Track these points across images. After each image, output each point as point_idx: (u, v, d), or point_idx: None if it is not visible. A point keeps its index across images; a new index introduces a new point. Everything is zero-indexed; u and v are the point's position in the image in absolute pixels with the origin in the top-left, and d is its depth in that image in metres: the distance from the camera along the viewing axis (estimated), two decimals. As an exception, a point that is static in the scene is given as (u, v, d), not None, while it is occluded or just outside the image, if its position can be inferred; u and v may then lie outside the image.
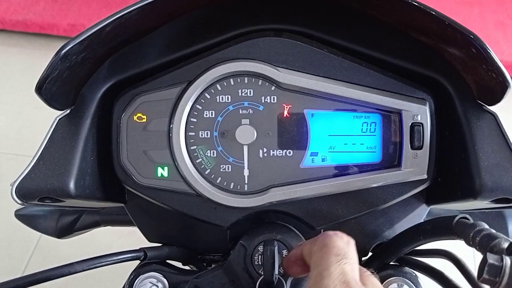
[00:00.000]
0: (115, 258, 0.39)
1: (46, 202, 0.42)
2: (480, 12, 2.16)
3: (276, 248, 0.40)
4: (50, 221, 0.58)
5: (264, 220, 0.45)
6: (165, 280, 0.45)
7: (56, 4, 2.29)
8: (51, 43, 2.29)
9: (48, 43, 2.29)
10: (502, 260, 0.28)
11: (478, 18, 2.14)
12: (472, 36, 0.33)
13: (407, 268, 0.45)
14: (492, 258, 0.28)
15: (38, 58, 2.23)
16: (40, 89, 0.37)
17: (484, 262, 0.28)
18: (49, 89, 0.38)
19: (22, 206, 0.62)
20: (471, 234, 0.32)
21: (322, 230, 0.46)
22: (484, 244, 0.30)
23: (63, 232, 0.58)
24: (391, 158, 0.42)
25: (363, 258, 0.51)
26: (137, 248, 0.43)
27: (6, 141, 1.94)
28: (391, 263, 0.47)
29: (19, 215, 0.61)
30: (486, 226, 0.32)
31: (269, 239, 0.40)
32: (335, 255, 0.31)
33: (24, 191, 0.40)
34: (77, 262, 0.38)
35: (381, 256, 0.47)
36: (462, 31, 0.34)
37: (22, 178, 0.40)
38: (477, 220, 0.34)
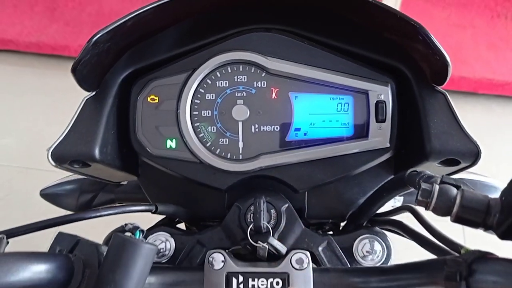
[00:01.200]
0: (130, 208, 0.46)
1: (74, 167, 0.51)
2: (473, 34, 2.27)
3: (264, 205, 0.48)
4: (71, 199, 0.66)
5: (255, 187, 0.54)
6: (172, 239, 0.53)
7: (68, 27, 2.41)
8: (62, 64, 2.40)
9: (60, 64, 2.40)
10: (432, 187, 0.36)
11: (471, 40, 2.24)
12: (417, 26, 0.42)
13: (376, 228, 0.53)
14: (425, 185, 0.36)
15: (49, 78, 2.35)
16: (75, 70, 0.46)
17: (420, 189, 0.36)
18: (81, 71, 0.47)
19: (47, 186, 0.71)
20: (417, 180, 0.40)
21: (306, 193, 0.54)
22: (424, 181, 0.39)
23: (82, 208, 0.66)
24: (361, 131, 0.51)
25: (341, 224, 0.59)
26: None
27: (17, 155, 2.03)
28: (364, 224, 0.55)
29: (44, 194, 0.69)
30: (428, 172, 0.41)
31: (259, 200, 0.48)
32: None
33: (57, 155, 0.49)
34: (93, 210, 0.45)
35: (355, 219, 0.55)
36: (410, 22, 0.43)
37: (56, 145, 0.49)
38: None
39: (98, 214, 0.45)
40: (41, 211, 0.64)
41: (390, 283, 0.43)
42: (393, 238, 0.53)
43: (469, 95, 2.09)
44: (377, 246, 0.52)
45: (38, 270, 0.36)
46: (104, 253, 0.39)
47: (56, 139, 0.50)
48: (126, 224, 0.41)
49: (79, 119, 0.50)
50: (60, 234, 0.40)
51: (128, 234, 0.38)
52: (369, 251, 0.52)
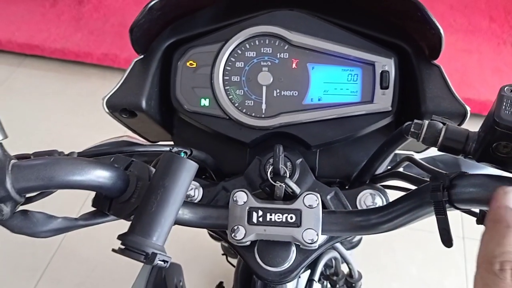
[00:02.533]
0: (166, 149, 0.55)
1: (122, 116, 0.60)
2: (479, 59, 2.36)
3: (283, 153, 0.56)
4: (107, 160, 0.75)
5: (274, 143, 0.62)
6: (200, 188, 0.62)
7: (92, 36, 2.53)
8: (85, 70, 2.53)
9: (82, 70, 2.53)
10: (423, 122, 0.45)
11: (477, 64, 2.34)
12: (415, 2, 0.52)
13: (378, 185, 0.61)
14: (417, 121, 0.45)
15: (72, 83, 2.47)
16: (132, 30, 0.56)
17: (413, 123, 0.45)
18: (136, 32, 0.56)
19: (85, 149, 0.79)
20: (409, 127, 0.49)
21: (318, 152, 0.63)
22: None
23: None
24: (367, 97, 0.60)
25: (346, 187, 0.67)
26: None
27: (37, 153, 2.13)
28: (366, 182, 0.63)
29: (83, 155, 0.77)
30: (421, 121, 0.49)
31: (278, 147, 0.56)
32: None
33: (111, 104, 0.58)
34: (141, 145, 0.53)
35: (359, 178, 0.63)
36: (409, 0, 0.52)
37: (110, 95, 0.59)
38: None
39: (146, 149, 0.53)
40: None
41: (388, 217, 0.51)
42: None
43: (474, 116, 2.17)
44: (378, 200, 0.60)
45: (102, 175, 0.44)
46: (153, 172, 0.48)
47: (110, 91, 0.59)
48: (172, 147, 0.49)
49: (129, 76, 0.60)
50: (117, 156, 0.49)
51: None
52: (371, 204, 0.60)
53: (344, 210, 0.57)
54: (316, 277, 0.72)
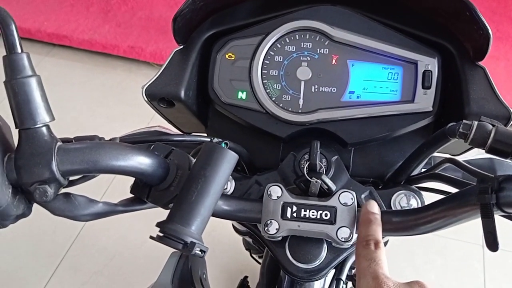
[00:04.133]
0: (204, 139, 0.55)
1: (160, 105, 0.60)
2: (505, 66, 2.33)
3: (319, 149, 0.56)
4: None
5: (309, 140, 0.62)
6: (232, 180, 0.61)
7: (119, 28, 2.56)
8: (111, 62, 2.55)
9: (108, 62, 2.55)
10: (472, 122, 0.44)
11: (504, 71, 2.30)
12: (466, 1, 0.51)
13: (413, 186, 0.60)
14: (466, 121, 0.44)
15: (98, 74, 2.50)
16: (175, 19, 0.56)
17: (462, 123, 0.44)
18: (178, 22, 0.57)
19: (124, 135, 0.80)
20: (457, 127, 0.48)
21: (352, 150, 0.62)
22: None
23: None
24: (407, 97, 0.59)
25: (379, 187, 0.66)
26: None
27: (61, 141, 2.15)
28: (402, 183, 0.62)
29: (123, 140, 0.78)
30: (465, 121, 0.48)
31: (316, 143, 0.55)
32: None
33: (150, 92, 0.58)
34: (179, 134, 0.53)
35: (394, 179, 0.62)
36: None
37: (149, 84, 0.59)
38: None
39: (185, 139, 0.54)
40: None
41: (427, 218, 0.50)
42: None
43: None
44: (413, 201, 0.59)
45: (144, 162, 0.44)
46: (193, 161, 0.48)
47: (149, 80, 0.59)
48: (213, 138, 0.49)
49: (168, 66, 0.60)
50: (157, 144, 0.49)
51: None
52: (405, 205, 0.59)
53: (380, 210, 0.56)
54: (344, 277, 0.71)
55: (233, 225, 0.94)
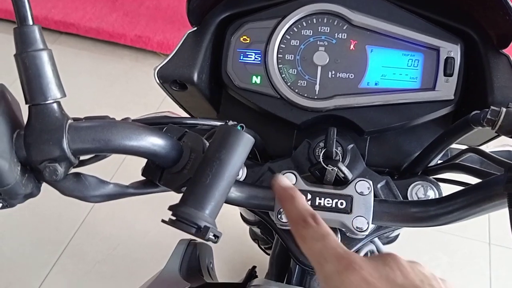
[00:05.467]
0: (217, 123, 0.53)
1: (172, 88, 0.59)
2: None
3: (335, 139, 0.54)
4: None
5: (324, 128, 0.60)
6: (244, 167, 0.60)
7: (126, 17, 2.54)
8: (117, 51, 2.54)
9: (114, 51, 2.54)
10: (500, 109, 0.42)
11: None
12: None
13: (430, 177, 0.59)
14: (494, 107, 0.42)
15: (104, 63, 2.48)
16: (189, 0, 0.54)
17: (489, 109, 0.42)
18: (193, 2, 0.55)
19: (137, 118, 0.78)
20: (482, 115, 0.46)
21: (368, 139, 0.60)
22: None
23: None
24: (428, 84, 0.57)
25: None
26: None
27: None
28: (419, 174, 0.60)
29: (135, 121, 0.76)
30: (498, 108, 0.46)
31: (332, 129, 0.54)
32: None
33: (162, 74, 0.57)
34: (192, 118, 0.52)
35: (410, 169, 0.60)
36: None
37: (162, 66, 0.57)
38: None
39: (198, 122, 0.52)
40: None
41: (449, 208, 0.48)
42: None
43: None
44: (430, 193, 0.58)
45: (157, 143, 0.43)
46: (207, 144, 0.46)
47: (161, 61, 0.58)
48: (228, 120, 0.48)
49: (182, 48, 0.58)
50: (170, 126, 0.48)
51: None
52: (422, 196, 0.57)
53: (398, 200, 0.55)
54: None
55: (241, 215, 0.93)
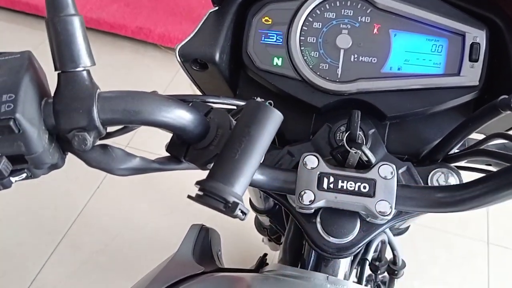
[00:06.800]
0: (239, 102, 0.52)
1: (193, 68, 0.58)
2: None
3: (359, 122, 0.53)
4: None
5: (344, 112, 0.59)
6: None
7: (128, 8, 2.52)
8: (118, 43, 2.52)
9: (115, 42, 2.52)
10: None
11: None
12: None
13: (451, 165, 0.58)
14: None
15: (104, 54, 2.46)
16: None
17: None
18: None
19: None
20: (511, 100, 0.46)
21: (387, 125, 0.60)
22: None
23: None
24: (452, 70, 0.57)
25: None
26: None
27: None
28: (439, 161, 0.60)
29: None
30: None
31: (357, 112, 0.53)
32: None
33: (184, 53, 0.56)
34: (215, 96, 0.50)
35: (431, 156, 0.60)
36: None
37: (183, 44, 0.56)
38: None
39: (222, 101, 0.51)
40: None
41: (476, 192, 0.47)
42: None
43: None
44: (452, 180, 0.57)
45: (186, 117, 0.42)
46: (233, 122, 0.45)
47: (183, 40, 0.57)
48: (256, 97, 0.47)
49: (203, 27, 0.57)
50: (195, 102, 0.47)
51: None
52: (444, 183, 0.57)
53: (421, 185, 0.54)
54: (370, 257, 0.69)
55: (250, 203, 0.92)
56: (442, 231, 1.84)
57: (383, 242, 0.79)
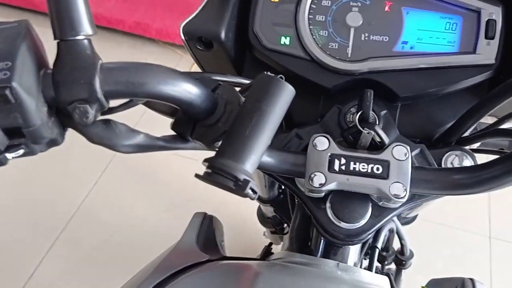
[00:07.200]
0: (245, 80, 0.50)
1: (198, 47, 0.56)
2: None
3: (372, 101, 0.51)
4: (169, 107, 0.70)
5: (354, 93, 0.57)
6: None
7: (125, 4, 2.49)
8: (116, 38, 2.49)
9: (113, 38, 2.49)
10: None
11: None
12: None
13: (465, 147, 0.56)
14: None
15: (102, 50, 2.39)
16: None
17: None
18: None
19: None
20: None
21: (398, 107, 0.57)
22: None
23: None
24: (467, 48, 0.54)
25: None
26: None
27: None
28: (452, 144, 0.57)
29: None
30: None
31: (369, 91, 0.51)
32: None
33: (188, 30, 0.54)
34: (222, 74, 0.48)
35: (444, 139, 0.58)
36: None
37: (188, 21, 0.54)
38: None
39: (229, 79, 0.49)
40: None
41: (496, 173, 0.45)
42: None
43: None
44: (466, 163, 0.55)
45: (192, 91, 0.40)
46: (242, 98, 0.43)
47: (188, 17, 0.54)
48: (266, 72, 0.45)
49: (208, 4, 0.55)
50: (202, 77, 0.44)
51: None
52: (458, 166, 0.55)
53: (437, 167, 0.52)
54: (379, 245, 0.67)
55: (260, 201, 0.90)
56: (443, 225, 1.83)
57: (391, 231, 0.77)
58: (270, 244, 0.70)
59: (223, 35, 0.54)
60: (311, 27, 0.57)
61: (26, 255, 1.70)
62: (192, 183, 2.07)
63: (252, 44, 0.58)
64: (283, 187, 0.87)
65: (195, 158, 1.93)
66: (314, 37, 0.56)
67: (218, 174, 0.38)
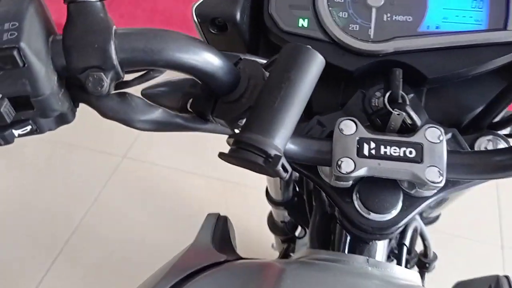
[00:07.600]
0: (263, 60, 0.46)
1: (211, 31, 0.52)
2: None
3: (401, 81, 0.48)
4: (173, 100, 0.67)
5: (378, 77, 0.53)
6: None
7: (122, 19, 2.50)
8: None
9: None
10: None
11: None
12: None
13: (498, 132, 0.53)
14: None
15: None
16: None
17: None
18: None
19: (148, 87, 0.72)
20: None
21: (424, 92, 0.54)
22: None
23: (184, 110, 0.66)
24: (496, 25, 0.51)
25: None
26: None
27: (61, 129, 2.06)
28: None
29: (145, 94, 0.69)
30: None
31: (398, 71, 0.47)
32: None
33: (202, 10, 0.50)
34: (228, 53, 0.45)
35: (474, 124, 0.54)
36: None
37: (201, 2, 0.51)
38: None
39: (245, 57, 0.45)
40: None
41: None
42: None
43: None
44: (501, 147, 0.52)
45: (214, 62, 0.36)
46: (266, 73, 0.40)
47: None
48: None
49: None
50: (222, 52, 0.41)
51: None
52: (492, 151, 0.51)
53: (473, 151, 0.49)
54: (407, 242, 0.63)
55: (267, 195, 0.86)
56: (455, 236, 1.79)
57: (414, 231, 0.73)
58: (289, 245, 0.66)
59: (238, 16, 0.51)
60: (330, 9, 0.54)
61: (25, 275, 1.64)
62: (194, 198, 2.02)
63: (268, 27, 0.54)
64: (297, 188, 0.84)
65: (198, 173, 1.89)
66: (334, 19, 0.53)
67: (245, 150, 0.34)
